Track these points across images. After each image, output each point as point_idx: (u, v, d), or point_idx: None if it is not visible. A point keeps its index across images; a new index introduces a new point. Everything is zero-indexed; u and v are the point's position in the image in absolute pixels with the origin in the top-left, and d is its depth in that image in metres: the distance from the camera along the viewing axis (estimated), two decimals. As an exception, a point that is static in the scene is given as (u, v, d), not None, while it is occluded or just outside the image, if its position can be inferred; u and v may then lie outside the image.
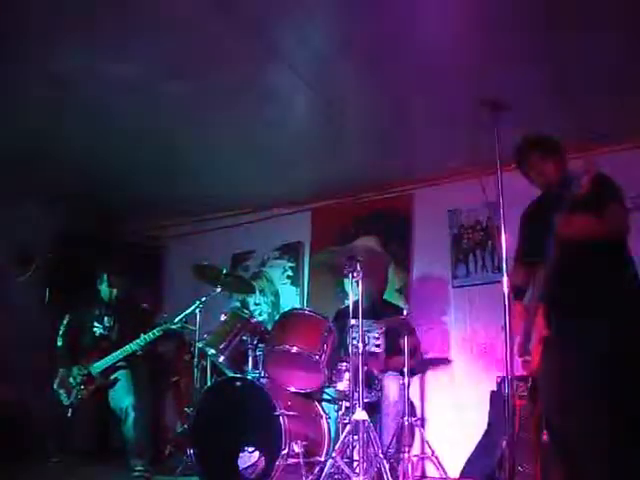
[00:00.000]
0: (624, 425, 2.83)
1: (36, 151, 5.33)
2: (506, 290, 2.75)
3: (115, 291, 5.18)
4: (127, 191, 6.35)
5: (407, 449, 4.22)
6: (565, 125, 3.58)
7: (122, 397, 4.83)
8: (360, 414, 3.63)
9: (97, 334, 5.07)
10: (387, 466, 3.62)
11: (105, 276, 5.18)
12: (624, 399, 2.85)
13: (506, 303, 2.73)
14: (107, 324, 5.11)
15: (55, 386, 4.86)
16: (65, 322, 5.08)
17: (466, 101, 3.16)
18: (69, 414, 4.78)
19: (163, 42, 3.89)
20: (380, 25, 3.70)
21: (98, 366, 4.85)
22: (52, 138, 5.14)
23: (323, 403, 4.47)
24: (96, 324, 5.09)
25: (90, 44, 3.90)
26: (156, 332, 4.90)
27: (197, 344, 4.80)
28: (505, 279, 2.77)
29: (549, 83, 4.16)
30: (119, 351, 4.87)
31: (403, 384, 4.37)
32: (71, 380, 4.82)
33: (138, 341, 4.87)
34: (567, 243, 2.95)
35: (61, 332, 5.03)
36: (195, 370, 5.04)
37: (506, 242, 2.91)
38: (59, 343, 5.01)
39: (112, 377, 4.86)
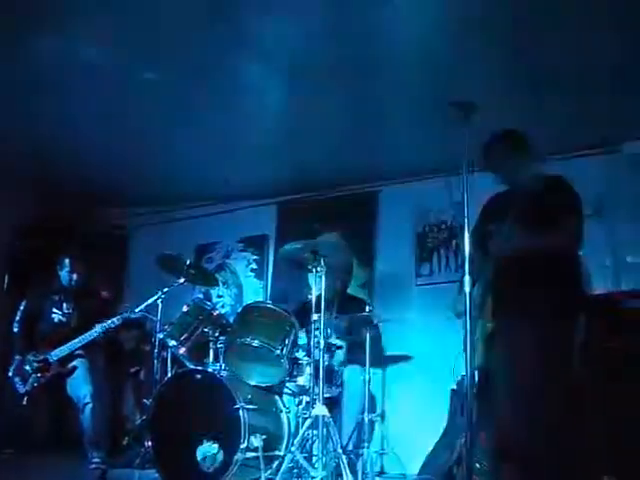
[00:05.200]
0: (565, 424, 2.90)
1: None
2: (467, 289, 2.76)
3: (75, 276, 5.08)
4: (92, 179, 6.26)
5: (367, 444, 4.24)
6: (534, 127, 3.63)
7: (80, 386, 4.75)
8: (320, 409, 3.64)
9: (56, 320, 4.98)
10: (346, 461, 3.63)
11: (66, 260, 5.09)
12: (564, 395, 2.92)
13: (467, 302, 2.74)
14: (66, 310, 5.02)
15: (10, 374, 4.78)
16: (22, 308, 4.99)
17: (434, 101, 3.18)
18: (24, 402, 4.70)
19: (134, 27, 3.85)
20: (350, 24, 3.72)
21: (56, 353, 4.77)
22: (14, 122, 5.04)
23: (284, 397, 4.46)
24: (55, 310, 5.00)
25: (58, 26, 3.84)
26: (116, 320, 4.83)
27: (158, 335, 4.75)
28: (467, 278, 2.79)
29: (518, 84, 4.20)
30: (78, 339, 4.79)
31: (364, 379, 4.38)
32: (27, 367, 4.74)
33: (97, 329, 4.80)
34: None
35: (17, 318, 4.94)
36: (155, 361, 4.99)
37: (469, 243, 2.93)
38: (15, 329, 4.91)
39: (70, 365, 4.79)
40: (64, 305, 5.04)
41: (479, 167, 3.33)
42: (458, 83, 4.01)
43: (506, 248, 3.10)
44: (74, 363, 4.80)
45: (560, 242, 3.06)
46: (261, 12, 3.69)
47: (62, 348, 4.78)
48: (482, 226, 3.46)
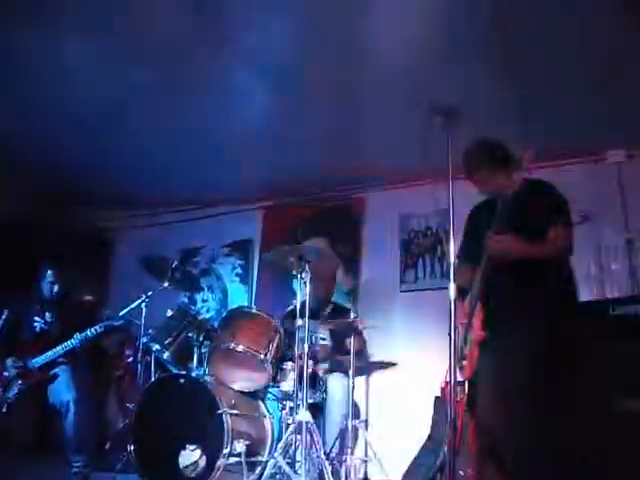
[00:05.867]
0: (551, 428, 2.90)
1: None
2: (452, 296, 2.77)
3: (57, 287, 5.05)
4: (77, 182, 6.21)
5: (350, 451, 4.23)
6: (518, 133, 3.65)
7: (63, 391, 4.72)
8: (304, 415, 3.63)
9: (37, 329, 4.95)
10: (329, 468, 3.63)
11: (48, 272, 5.05)
12: (553, 403, 2.92)
13: (452, 309, 2.75)
14: (48, 319, 4.99)
15: (-11, 381, 4.73)
16: (3, 317, 4.93)
17: (419, 106, 3.18)
18: (4, 409, 4.65)
19: (121, 28, 3.84)
20: (334, 28, 3.73)
21: (37, 361, 4.73)
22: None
23: (267, 402, 4.45)
24: (36, 319, 4.96)
25: (44, 26, 3.82)
26: (98, 329, 4.80)
27: (142, 339, 4.73)
28: (452, 285, 2.79)
29: (502, 90, 4.22)
30: (59, 347, 4.75)
31: (348, 386, 4.38)
32: (6, 374, 4.69)
33: (79, 337, 4.77)
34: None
35: (-2, 326, 4.89)
36: (139, 365, 4.96)
37: (455, 249, 2.94)
38: (-5, 338, 4.87)
39: (52, 372, 4.75)
40: (46, 314, 5.00)
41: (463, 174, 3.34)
42: (443, 89, 4.02)
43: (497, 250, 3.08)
44: (56, 370, 4.76)
45: (549, 249, 3.06)
46: (246, 15, 3.69)
47: (44, 356, 4.74)
48: (468, 235, 3.46)
